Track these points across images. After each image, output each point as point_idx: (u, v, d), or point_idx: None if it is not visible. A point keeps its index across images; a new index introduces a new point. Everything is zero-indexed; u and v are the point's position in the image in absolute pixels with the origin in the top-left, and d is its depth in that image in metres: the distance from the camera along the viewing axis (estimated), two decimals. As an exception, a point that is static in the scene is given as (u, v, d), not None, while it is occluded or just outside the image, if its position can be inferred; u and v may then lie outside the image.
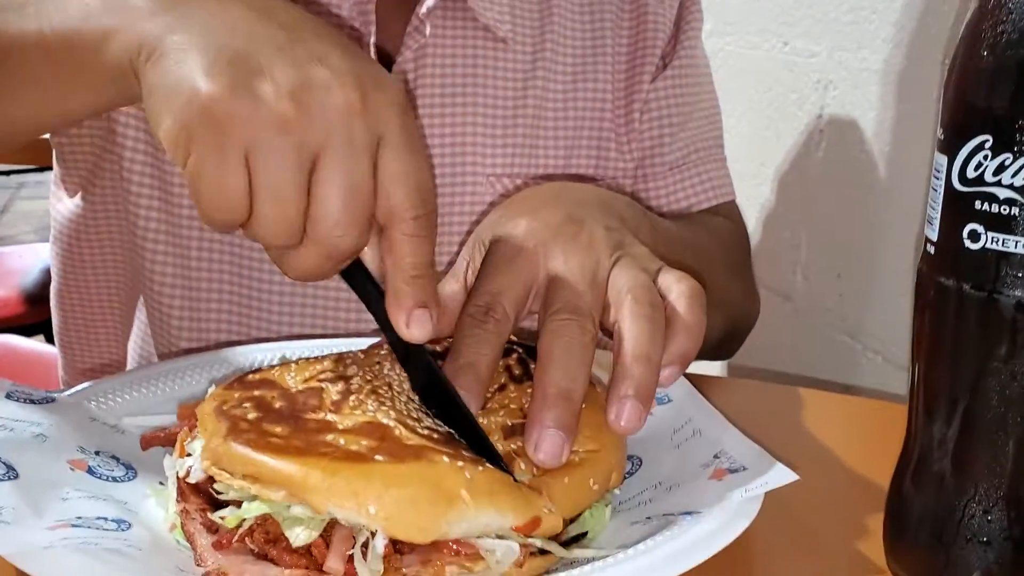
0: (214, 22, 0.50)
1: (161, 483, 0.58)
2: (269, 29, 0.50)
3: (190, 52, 0.49)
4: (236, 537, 0.51)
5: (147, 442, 0.61)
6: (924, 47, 1.10)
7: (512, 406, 0.57)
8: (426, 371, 0.56)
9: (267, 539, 0.50)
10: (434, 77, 0.87)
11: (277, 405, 0.54)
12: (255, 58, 0.49)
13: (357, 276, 0.54)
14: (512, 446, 0.54)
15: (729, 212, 1.00)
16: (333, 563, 0.49)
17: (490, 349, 0.56)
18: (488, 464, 0.52)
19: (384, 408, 0.54)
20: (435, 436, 0.52)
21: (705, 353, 0.89)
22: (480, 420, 0.56)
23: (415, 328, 0.53)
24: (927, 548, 0.53)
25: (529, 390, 0.56)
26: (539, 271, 0.58)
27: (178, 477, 0.55)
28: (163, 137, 0.49)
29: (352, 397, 0.55)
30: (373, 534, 0.49)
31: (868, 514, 0.60)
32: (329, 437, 0.51)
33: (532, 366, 0.58)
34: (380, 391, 0.56)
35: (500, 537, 0.51)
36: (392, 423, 0.52)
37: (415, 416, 0.54)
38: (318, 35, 0.51)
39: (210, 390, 0.59)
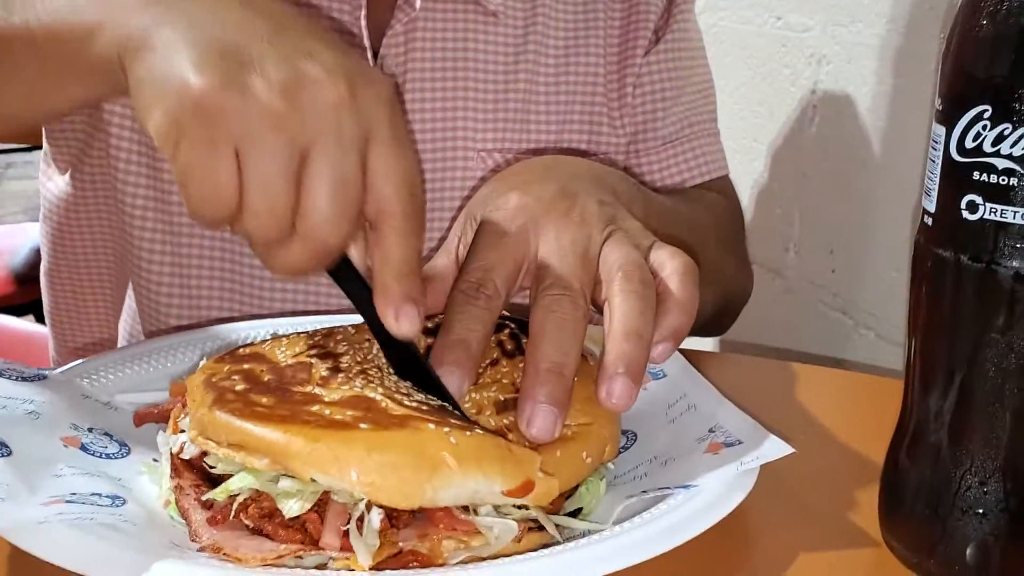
0: (203, 15, 0.50)
1: (155, 460, 0.58)
2: (258, 23, 0.50)
3: (179, 46, 0.48)
4: (231, 513, 0.50)
5: (140, 418, 0.61)
6: (918, 21, 1.10)
7: (504, 381, 0.57)
8: (412, 364, 0.56)
9: (261, 514, 0.50)
10: (424, 51, 0.87)
11: (266, 378, 0.54)
12: (246, 52, 0.48)
13: (343, 273, 0.54)
14: (505, 421, 0.54)
15: (723, 187, 1.00)
16: (329, 538, 0.48)
17: (481, 325, 0.56)
18: (478, 430, 0.52)
19: (372, 384, 0.54)
20: (424, 408, 0.52)
21: (698, 329, 0.89)
22: (472, 395, 0.56)
23: (404, 323, 0.53)
24: (922, 520, 0.53)
25: (521, 365, 0.56)
26: (530, 246, 0.58)
27: (172, 453, 0.55)
28: (153, 131, 0.48)
29: (341, 375, 0.55)
30: (369, 508, 0.49)
31: (862, 487, 0.60)
32: (314, 408, 0.51)
33: (524, 341, 0.58)
34: (369, 371, 0.56)
35: (498, 510, 0.51)
36: (379, 397, 0.52)
37: (404, 391, 0.54)
38: (307, 30, 0.51)
39: (201, 363, 0.59)
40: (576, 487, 0.57)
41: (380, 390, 0.53)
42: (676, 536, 0.50)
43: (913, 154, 1.12)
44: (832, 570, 0.55)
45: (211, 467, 0.52)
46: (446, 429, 0.50)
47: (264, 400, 0.52)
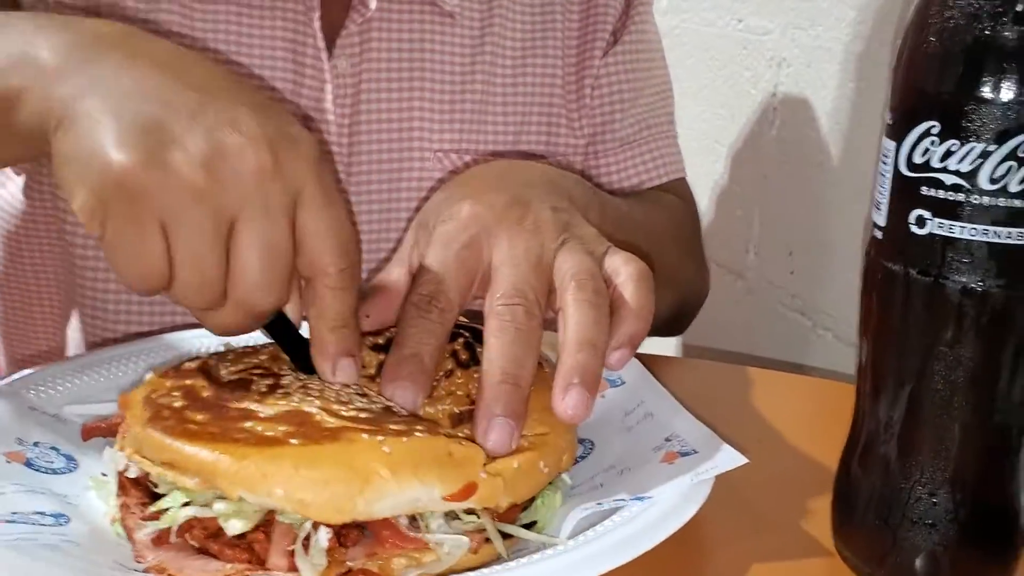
0: (125, 85, 0.50)
1: (104, 474, 0.57)
2: (181, 93, 0.51)
3: (101, 120, 0.49)
4: (175, 532, 0.50)
5: (88, 433, 0.60)
6: (877, 25, 1.10)
7: (459, 392, 0.57)
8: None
9: (207, 534, 0.49)
10: (380, 52, 0.86)
11: (204, 394, 0.54)
12: (168, 126, 0.49)
13: (278, 328, 0.55)
14: (460, 434, 0.54)
15: (680, 189, 1.00)
16: (275, 559, 0.48)
17: (434, 339, 0.55)
18: (418, 434, 0.51)
19: (310, 399, 0.53)
20: (361, 416, 0.51)
21: (655, 330, 0.89)
22: (427, 408, 0.56)
23: (340, 376, 0.55)
24: (874, 530, 0.54)
25: (476, 375, 0.56)
26: (483, 257, 0.58)
27: (118, 471, 0.54)
28: (78, 210, 0.49)
29: (280, 391, 0.54)
30: (316, 527, 0.48)
31: (817, 495, 0.61)
32: (247, 424, 0.50)
33: (479, 350, 0.57)
34: (310, 385, 0.55)
35: (452, 521, 0.51)
36: (315, 410, 0.51)
37: (344, 400, 0.53)
38: (230, 94, 0.52)
39: (147, 376, 0.58)
40: (532, 499, 0.56)
41: (318, 403, 0.52)
42: (630, 549, 0.50)
43: (871, 158, 1.13)
44: (785, 577, 0.56)
45: (155, 486, 0.52)
46: (380, 438, 0.49)
47: (199, 417, 0.51)
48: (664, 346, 1.41)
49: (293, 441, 0.48)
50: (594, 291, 0.56)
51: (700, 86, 1.44)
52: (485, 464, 0.51)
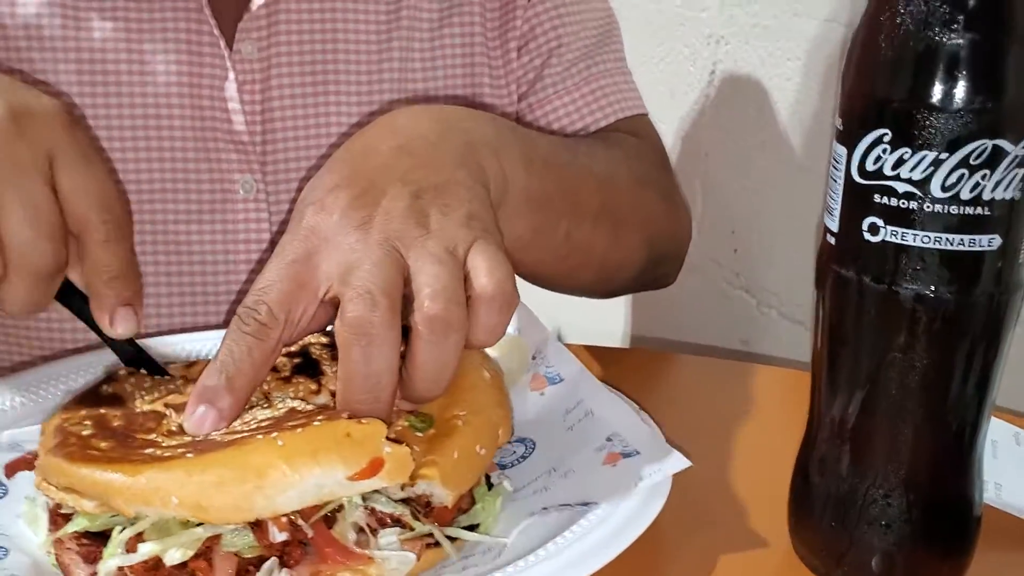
0: None
1: (33, 498, 0.56)
2: None
3: None
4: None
5: (11, 469, 0.58)
6: (813, 3, 1.10)
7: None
8: (142, 363, 0.60)
9: (146, 566, 0.48)
10: (289, 34, 0.83)
11: (115, 424, 0.53)
12: None
13: (68, 296, 0.57)
14: (392, 434, 0.52)
15: (639, 126, 0.93)
16: None
17: (250, 354, 0.51)
18: (317, 422, 0.49)
19: (217, 431, 0.51)
20: (263, 425, 0.50)
21: (631, 282, 0.87)
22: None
23: (120, 325, 0.56)
24: (830, 530, 0.54)
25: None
26: (319, 271, 0.53)
27: (49, 508, 0.52)
28: None
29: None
30: (266, 558, 0.47)
31: (769, 488, 0.61)
32: (148, 451, 0.49)
33: None
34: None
35: (398, 531, 0.50)
36: (217, 436, 0.50)
37: (247, 420, 0.52)
38: None
39: (64, 400, 0.57)
40: (472, 502, 0.56)
41: (222, 431, 0.51)
42: (599, 557, 0.49)
43: (811, 134, 1.14)
44: (743, 578, 0.56)
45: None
46: (274, 434, 0.48)
47: (103, 445, 0.50)
48: (610, 336, 1.41)
49: (188, 455, 0.48)
50: (443, 328, 0.51)
51: (639, 63, 1.43)
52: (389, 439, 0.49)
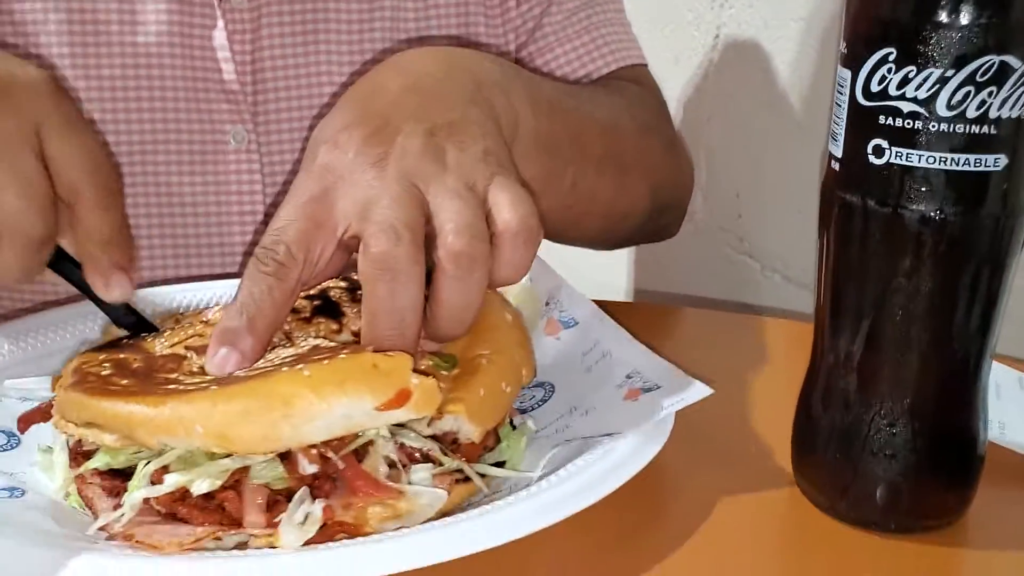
0: None
1: (50, 447, 0.55)
2: None
3: None
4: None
5: (25, 422, 0.57)
6: (818, -37, 1.10)
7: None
8: (142, 327, 0.59)
9: (172, 498, 0.48)
10: (271, 7, 0.82)
11: (135, 365, 0.53)
12: None
13: (62, 264, 0.57)
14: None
15: (639, 76, 0.92)
16: (252, 517, 0.46)
17: (269, 294, 0.50)
18: (343, 355, 0.48)
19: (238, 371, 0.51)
20: (286, 360, 0.49)
21: (636, 231, 0.86)
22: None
23: (114, 289, 0.56)
24: (834, 463, 0.54)
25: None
26: (335, 209, 0.52)
27: (69, 447, 0.52)
28: None
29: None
30: (307, 495, 0.47)
31: (776, 430, 0.61)
32: (170, 386, 0.49)
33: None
34: None
35: (429, 468, 0.50)
36: (242, 374, 0.50)
37: (269, 357, 0.51)
38: None
39: (80, 348, 0.56)
40: (498, 440, 0.56)
41: (243, 371, 0.50)
42: (598, 489, 0.49)
43: (815, 96, 1.13)
44: (746, 513, 0.56)
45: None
46: (300, 366, 0.47)
47: (123, 381, 0.50)
48: (614, 290, 1.40)
49: (212, 388, 0.47)
50: (468, 264, 0.50)
51: (643, 29, 1.42)
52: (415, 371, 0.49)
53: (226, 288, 0.73)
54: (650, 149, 0.83)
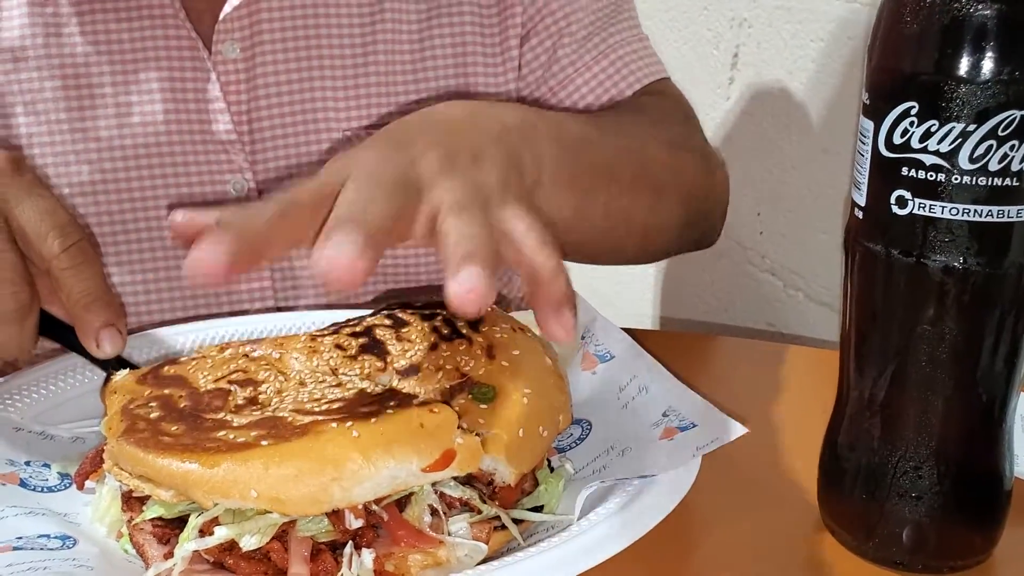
0: None
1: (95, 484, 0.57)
2: None
3: None
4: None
5: (82, 479, 0.58)
6: (837, -16, 1.10)
7: (448, 367, 0.56)
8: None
9: (221, 548, 0.49)
10: (272, 32, 0.83)
11: (181, 405, 0.54)
12: None
13: (52, 329, 0.60)
14: (456, 406, 0.53)
15: (658, 90, 0.92)
16: (297, 568, 0.48)
17: (258, 214, 0.47)
18: (390, 410, 0.50)
19: (285, 405, 0.53)
20: (333, 408, 0.51)
21: (672, 244, 0.86)
22: (416, 389, 0.55)
23: (106, 346, 0.59)
24: (860, 503, 0.55)
25: (462, 347, 0.56)
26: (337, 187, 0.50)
27: (122, 492, 0.53)
28: None
29: (257, 404, 0.54)
30: (358, 548, 0.48)
31: (804, 467, 0.61)
32: (220, 434, 0.50)
33: (460, 324, 0.57)
34: (285, 390, 0.55)
35: (466, 516, 0.51)
36: (287, 414, 0.51)
37: (316, 397, 0.53)
38: None
39: (121, 373, 0.58)
40: (535, 484, 0.57)
41: (291, 406, 0.52)
42: (630, 533, 0.50)
43: (835, 115, 1.13)
44: (774, 551, 0.56)
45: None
46: (349, 424, 0.49)
47: (173, 429, 0.51)
48: (639, 320, 1.41)
49: (264, 443, 0.48)
50: (463, 208, 0.49)
51: (662, 47, 1.43)
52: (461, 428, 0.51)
53: (236, 326, 0.75)
54: (681, 163, 0.83)
